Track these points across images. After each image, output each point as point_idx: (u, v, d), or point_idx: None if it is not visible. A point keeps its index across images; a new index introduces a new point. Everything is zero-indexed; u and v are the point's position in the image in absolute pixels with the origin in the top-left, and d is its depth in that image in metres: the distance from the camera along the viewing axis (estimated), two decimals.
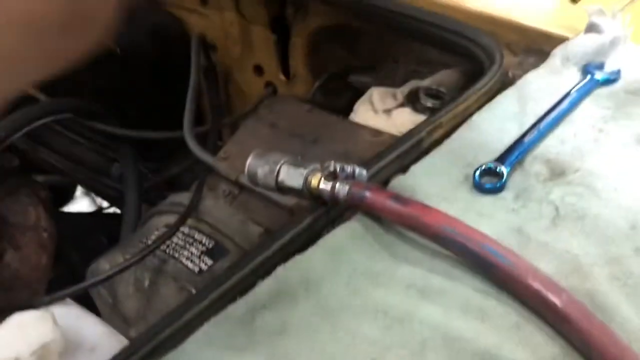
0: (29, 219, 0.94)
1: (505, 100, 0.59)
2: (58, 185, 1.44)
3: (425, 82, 0.80)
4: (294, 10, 0.89)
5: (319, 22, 0.89)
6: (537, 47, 0.71)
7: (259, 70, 1.02)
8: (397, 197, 0.45)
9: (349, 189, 0.47)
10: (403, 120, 0.74)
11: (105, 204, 1.47)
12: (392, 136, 0.71)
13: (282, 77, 0.99)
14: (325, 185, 0.48)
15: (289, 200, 0.63)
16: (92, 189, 1.29)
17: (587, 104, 0.59)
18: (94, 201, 1.63)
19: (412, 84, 0.82)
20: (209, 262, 0.59)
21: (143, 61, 1.03)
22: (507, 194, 0.49)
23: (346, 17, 0.85)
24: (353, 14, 0.82)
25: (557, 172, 0.51)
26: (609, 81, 0.61)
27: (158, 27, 1.05)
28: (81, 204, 1.63)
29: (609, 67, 0.63)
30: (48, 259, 0.95)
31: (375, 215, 0.47)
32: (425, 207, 0.44)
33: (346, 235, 0.46)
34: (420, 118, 0.74)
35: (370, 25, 0.83)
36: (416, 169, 0.51)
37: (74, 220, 1.39)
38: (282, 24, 0.92)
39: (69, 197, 1.61)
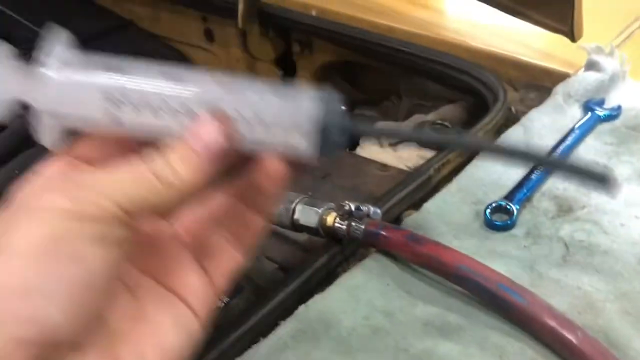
0: None
1: (511, 137, 0.61)
2: None
3: (430, 117, 0.82)
4: (300, 48, 0.92)
5: (324, 58, 0.92)
6: (537, 82, 0.73)
7: None
8: (413, 236, 0.46)
9: (365, 227, 0.48)
10: (409, 154, 0.76)
11: None
12: (399, 170, 0.73)
13: None
14: (341, 224, 0.50)
15: (301, 236, 0.64)
16: None
17: (590, 140, 0.61)
18: None
19: (416, 118, 0.84)
20: (225, 299, 0.60)
21: None
22: (517, 231, 0.50)
23: (351, 54, 0.87)
24: (358, 52, 0.85)
25: (565, 209, 0.52)
26: (610, 117, 0.63)
27: (164, 63, 1.07)
28: None
29: (610, 103, 0.65)
30: None
31: (390, 253, 0.48)
32: (441, 246, 0.45)
33: (363, 274, 0.47)
34: (426, 152, 0.76)
35: (376, 63, 0.86)
36: (428, 206, 0.53)
37: None
38: (288, 60, 0.95)
39: None
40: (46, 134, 0.31)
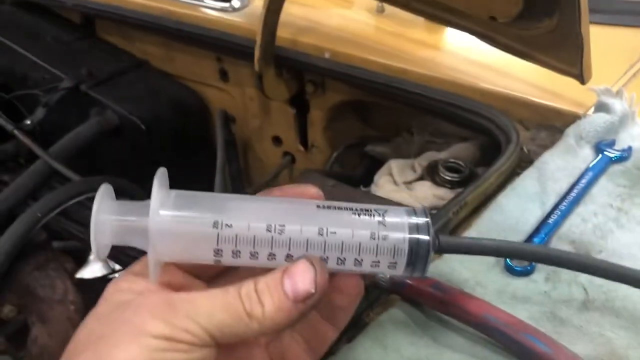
0: (57, 292, 0.96)
1: (526, 181, 0.62)
2: (73, 249, 1.46)
3: (443, 155, 0.84)
4: (314, 88, 0.94)
5: (337, 98, 0.94)
6: (548, 122, 0.75)
7: (277, 140, 1.07)
8: (438, 285, 0.48)
9: (391, 276, 0.50)
10: (425, 193, 0.78)
11: (117, 267, 1.50)
12: None
13: (300, 147, 1.03)
14: None
15: None
16: (111, 257, 1.30)
17: (603, 182, 0.62)
18: (107, 264, 1.65)
19: (429, 156, 0.86)
20: None
21: (165, 134, 1.07)
22: (537, 276, 0.52)
23: (363, 94, 0.90)
24: (370, 93, 0.87)
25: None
26: (621, 158, 0.65)
27: (179, 101, 1.10)
28: (94, 267, 1.66)
29: (620, 144, 0.67)
30: (75, 332, 0.96)
31: (416, 300, 0.50)
32: (466, 295, 0.46)
33: (390, 323, 0.48)
34: (441, 191, 0.78)
35: (388, 103, 0.88)
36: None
37: (92, 286, 1.41)
38: (301, 99, 0.97)
39: (82, 261, 1.63)
40: (151, 270, 0.33)
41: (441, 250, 0.37)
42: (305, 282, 0.31)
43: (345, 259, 0.34)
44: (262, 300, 0.31)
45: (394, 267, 0.34)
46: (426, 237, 0.35)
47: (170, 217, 0.33)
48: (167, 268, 0.35)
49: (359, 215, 0.34)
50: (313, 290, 0.31)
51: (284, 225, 0.33)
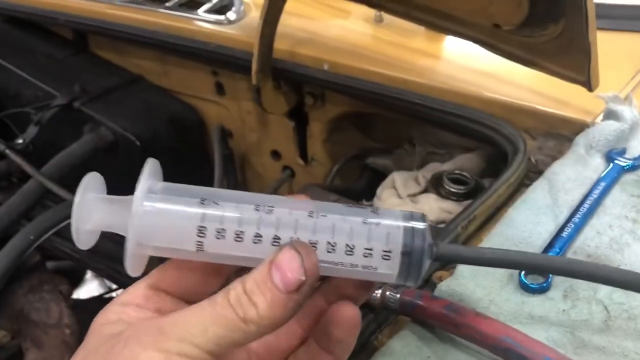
0: (52, 316, 0.93)
1: (537, 193, 0.60)
2: (69, 269, 1.43)
3: (447, 166, 0.82)
4: (313, 100, 0.92)
5: (337, 110, 0.92)
6: (555, 131, 0.73)
7: (276, 154, 1.04)
8: (451, 306, 0.45)
9: (401, 296, 0.47)
10: (431, 206, 0.76)
11: (114, 286, 1.47)
12: None
13: (299, 161, 1.01)
14: (375, 293, 0.49)
15: None
16: (108, 277, 1.28)
17: (616, 192, 0.60)
18: (103, 282, 1.62)
19: (432, 167, 0.84)
20: None
21: (161, 150, 1.05)
22: (554, 294, 0.49)
23: (364, 106, 0.88)
24: (371, 104, 0.85)
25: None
26: (633, 167, 0.63)
27: (175, 116, 1.08)
28: (90, 286, 1.63)
29: (631, 152, 0.65)
30: (70, 356, 0.94)
31: (427, 322, 0.47)
32: (482, 317, 0.44)
33: (402, 347, 0.46)
34: (447, 204, 0.76)
35: (389, 114, 0.86)
36: (462, 270, 0.52)
37: (89, 306, 1.38)
38: (300, 112, 0.95)
39: (79, 280, 1.61)
40: (133, 263, 0.32)
41: (439, 256, 0.35)
42: (294, 271, 0.30)
43: (335, 244, 0.32)
44: (254, 301, 0.29)
45: (388, 258, 0.32)
46: (422, 233, 0.33)
47: (156, 196, 0.32)
48: (157, 294, 0.33)
49: (351, 206, 0.34)
50: (303, 278, 0.30)
51: (273, 207, 0.32)
